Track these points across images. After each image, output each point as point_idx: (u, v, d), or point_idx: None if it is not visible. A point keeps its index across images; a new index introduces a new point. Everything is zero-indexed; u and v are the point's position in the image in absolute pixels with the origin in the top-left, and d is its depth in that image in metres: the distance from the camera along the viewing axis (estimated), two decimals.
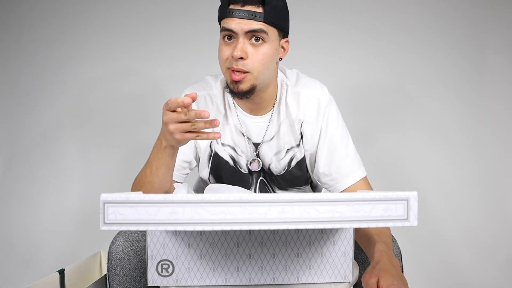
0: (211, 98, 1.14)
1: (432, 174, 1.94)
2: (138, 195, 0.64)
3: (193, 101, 0.85)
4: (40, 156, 1.95)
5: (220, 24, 1.05)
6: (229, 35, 1.01)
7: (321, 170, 1.12)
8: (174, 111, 0.86)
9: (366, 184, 1.13)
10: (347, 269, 0.89)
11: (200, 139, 0.90)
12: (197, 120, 0.86)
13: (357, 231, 1.00)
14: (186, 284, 0.87)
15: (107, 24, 1.96)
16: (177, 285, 0.87)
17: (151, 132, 1.91)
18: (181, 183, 1.16)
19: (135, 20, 1.95)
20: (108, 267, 1.03)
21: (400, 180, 1.93)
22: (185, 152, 1.13)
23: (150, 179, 1.00)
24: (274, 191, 1.19)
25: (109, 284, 1.04)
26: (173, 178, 1.12)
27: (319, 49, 1.93)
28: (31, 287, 1.17)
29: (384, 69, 1.94)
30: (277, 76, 1.13)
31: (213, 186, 1.13)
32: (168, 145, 0.93)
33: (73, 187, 1.95)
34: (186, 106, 0.85)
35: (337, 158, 1.11)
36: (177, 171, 1.13)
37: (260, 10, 0.99)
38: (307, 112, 1.11)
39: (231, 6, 1.00)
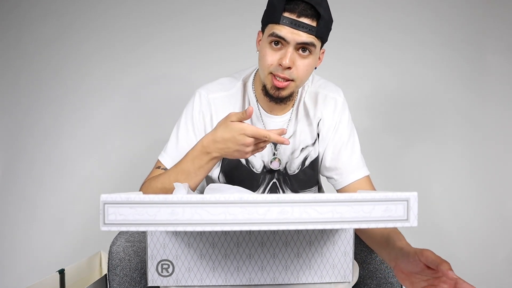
0: (228, 99, 1.16)
1: (432, 174, 1.94)
2: (138, 196, 0.64)
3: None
4: (40, 156, 1.95)
5: (264, 25, 1.05)
6: (278, 41, 1.02)
7: (328, 164, 1.16)
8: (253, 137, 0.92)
9: (369, 182, 1.16)
10: (347, 269, 0.88)
11: (260, 151, 0.98)
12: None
13: (372, 236, 1.00)
14: (186, 284, 0.87)
15: (107, 24, 1.96)
16: (177, 285, 0.87)
17: (151, 132, 1.93)
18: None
19: (135, 20, 1.95)
20: (108, 267, 1.03)
21: (400, 180, 1.93)
22: None
23: None
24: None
25: (109, 284, 1.04)
26: None
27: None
28: (31, 287, 1.17)
29: (383, 70, 1.94)
30: None
31: (213, 186, 1.13)
32: (220, 157, 0.98)
33: (73, 187, 1.95)
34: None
35: (344, 154, 1.15)
36: None
37: (314, 24, 1.00)
38: (324, 111, 1.16)
39: (286, 14, 0.99)
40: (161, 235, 0.86)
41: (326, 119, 1.16)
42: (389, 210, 0.65)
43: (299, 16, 0.98)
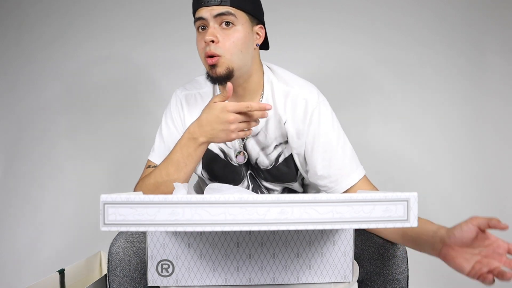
0: (201, 96, 1.18)
1: (432, 174, 1.94)
2: (138, 196, 0.64)
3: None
4: (40, 156, 1.96)
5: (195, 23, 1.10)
6: (202, 24, 1.06)
7: (320, 172, 1.10)
8: (239, 113, 0.97)
9: (367, 182, 1.11)
10: (347, 269, 0.89)
11: (245, 136, 1.02)
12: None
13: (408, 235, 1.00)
14: (186, 284, 0.87)
15: (108, 24, 1.96)
16: (177, 285, 0.87)
17: (153, 131, 1.93)
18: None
19: (135, 20, 1.95)
20: (108, 267, 1.03)
21: (400, 180, 1.93)
22: None
23: (175, 177, 1.02)
24: (262, 184, 1.21)
25: (109, 285, 1.03)
26: None
27: (321, 51, 1.93)
28: (31, 287, 1.17)
29: (383, 70, 1.94)
30: (263, 72, 1.15)
31: (213, 186, 1.13)
32: (207, 141, 1.01)
33: (73, 187, 1.95)
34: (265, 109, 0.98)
35: (335, 159, 1.09)
36: None
37: None
38: (295, 111, 1.11)
39: None
40: (161, 235, 0.86)
41: (295, 120, 1.11)
42: (389, 210, 0.65)
43: None
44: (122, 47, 1.95)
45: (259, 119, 1.06)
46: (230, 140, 1.01)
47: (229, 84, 0.97)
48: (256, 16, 1.09)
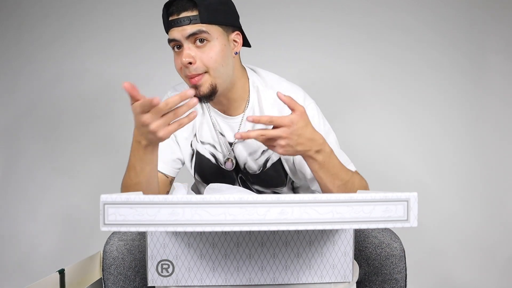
0: None
1: (431, 173, 1.94)
2: (138, 196, 0.64)
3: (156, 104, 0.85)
4: (41, 156, 1.96)
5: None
6: (176, 45, 1.04)
7: (310, 176, 1.10)
8: (149, 111, 0.85)
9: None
10: (347, 269, 0.89)
11: (182, 126, 0.89)
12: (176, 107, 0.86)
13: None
14: (186, 284, 0.87)
15: (109, 24, 1.96)
16: (177, 285, 0.87)
17: None
18: (174, 177, 1.18)
19: (136, 20, 1.95)
20: (102, 266, 1.03)
21: (399, 180, 1.93)
22: (174, 150, 1.16)
23: (136, 181, 0.99)
24: (252, 189, 1.21)
25: (104, 284, 1.04)
26: (166, 172, 1.15)
27: (321, 51, 1.93)
28: (31, 287, 1.17)
29: (384, 69, 1.94)
30: (247, 76, 1.14)
31: (213, 186, 1.14)
32: (150, 143, 0.93)
33: (73, 186, 1.95)
34: (155, 105, 0.84)
35: None
36: (170, 166, 1.15)
37: (195, 13, 1.01)
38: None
39: (170, 18, 1.03)
40: (161, 235, 0.86)
41: None
42: (389, 211, 0.65)
43: (179, 14, 1.01)
44: (122, 48, 1.95)
45: (248, 124, 1.05)
46: (163, 139, 0.89)
47: (124, 83, 0.85)
48: (230, 24, 1.07)
